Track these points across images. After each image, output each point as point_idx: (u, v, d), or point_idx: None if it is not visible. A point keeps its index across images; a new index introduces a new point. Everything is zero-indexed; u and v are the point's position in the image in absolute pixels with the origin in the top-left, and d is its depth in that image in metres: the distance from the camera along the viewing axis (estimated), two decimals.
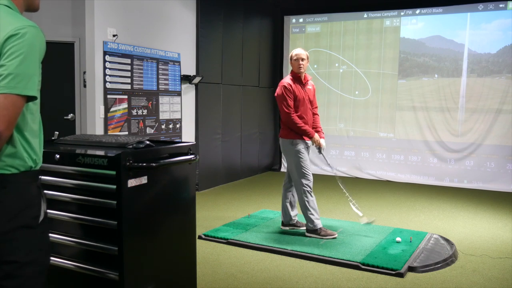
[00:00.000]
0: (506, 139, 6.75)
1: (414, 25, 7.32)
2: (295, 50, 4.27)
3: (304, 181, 4.13)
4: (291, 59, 4.27)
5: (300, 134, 4.13)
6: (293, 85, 4.16)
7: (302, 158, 4.14)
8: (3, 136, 1.35)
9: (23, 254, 1.45)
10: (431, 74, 7.27)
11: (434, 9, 7.18)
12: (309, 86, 4.31)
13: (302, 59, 4.17)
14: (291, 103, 4.12)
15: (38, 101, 1.50)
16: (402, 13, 7.37)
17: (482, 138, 6.91)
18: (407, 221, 4.93)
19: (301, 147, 4.15)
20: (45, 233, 1.55)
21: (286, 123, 4.16)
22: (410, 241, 4.02)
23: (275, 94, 4.27)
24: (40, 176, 1.62)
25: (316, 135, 4.17)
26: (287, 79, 4.23)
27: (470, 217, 5.17)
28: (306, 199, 4.13)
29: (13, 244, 1.43)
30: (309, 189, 4.15)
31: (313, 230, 4.15)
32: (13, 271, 1.44)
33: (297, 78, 4.22)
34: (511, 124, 6.72)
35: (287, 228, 4.43)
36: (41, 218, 1.51)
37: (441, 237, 4.26)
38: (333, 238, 4.11)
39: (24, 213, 1.45)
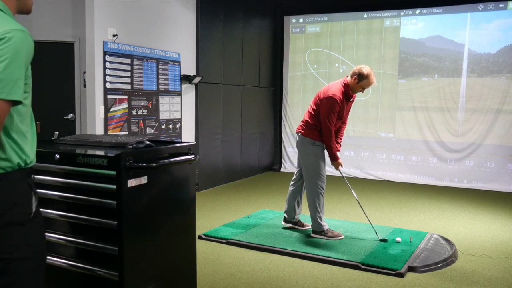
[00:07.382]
0: (506, 139, 6.75)
1: (414, 25, 7.32)
2: (372, 74, 4.00)
3: (319, 183, 4.13)
4: (361, 75, 3.98)
5: (328, 151, 4.12)
6: (342, 99, 4.02)
7: (320, 159, 4.14)
8: None
9: (13, 250, 1.47)
10: (431, 74, 7.27)
11: (434, 9, 7.18)
12: (352, 99, 4.18)
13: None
14: (335, 119, 4.04)
15: (28, 102, 1.50)
16: (402, 13, 7.36)
17: (482, 138, 6.91)
18: (407, 221, 4.93)
19: (320, 148, 4.16)
20: (36, 229, 1.57)
21: (323, 134, 4.07)
22: (410, 241, 4.02)
23: (322, 97, 4.06)
24: (32, 175, 1.63)
25: (339, 160, 4.17)
26: (338, 91, 4.01)
27: (470, 217, 5.17)
28: (317, 200, 4.13)
29: (2, 241, 1.45)
30: (322, 191, 4.15)
31: (319, 231, 4.16)
32: (4, 267, 1.45)
33: (348, 94, 4.09)
34: (511, 124, 6.72)
35: (289, 225, 4.44)
36: (32, 215, 1.53)
37: (441, 237, 4.26)
38: (340, 239, 4.12)
39: (13, 210, 1.47)
